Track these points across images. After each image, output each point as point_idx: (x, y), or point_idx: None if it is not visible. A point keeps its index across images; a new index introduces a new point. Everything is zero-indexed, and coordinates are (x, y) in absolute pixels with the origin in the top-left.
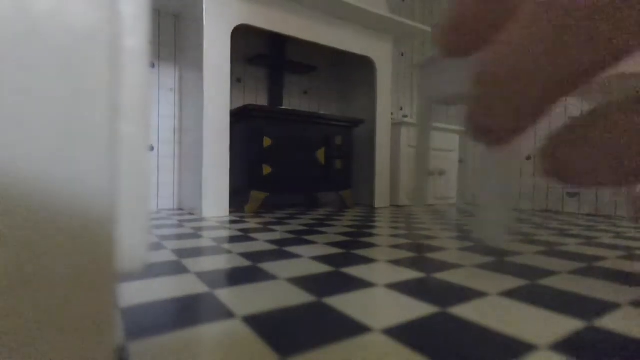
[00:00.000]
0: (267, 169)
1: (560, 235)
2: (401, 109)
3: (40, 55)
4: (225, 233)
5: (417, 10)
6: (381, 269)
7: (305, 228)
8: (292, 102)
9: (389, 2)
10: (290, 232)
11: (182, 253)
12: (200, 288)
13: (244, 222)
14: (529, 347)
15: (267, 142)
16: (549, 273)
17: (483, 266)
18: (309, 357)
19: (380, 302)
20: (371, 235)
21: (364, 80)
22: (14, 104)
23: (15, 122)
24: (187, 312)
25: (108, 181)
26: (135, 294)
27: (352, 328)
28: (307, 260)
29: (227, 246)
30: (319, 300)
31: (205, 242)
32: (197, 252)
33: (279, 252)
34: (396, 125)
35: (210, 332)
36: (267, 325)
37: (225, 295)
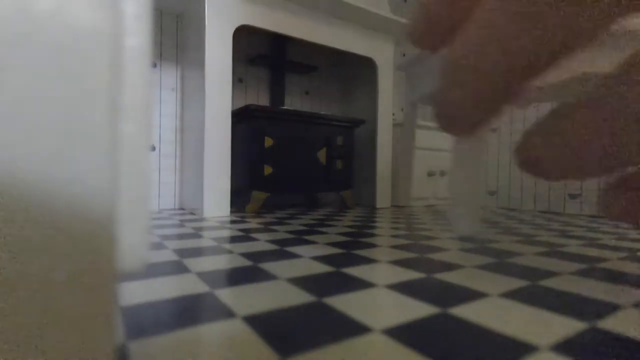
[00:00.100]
0: (268, 169)
1: (562, 236)
2: (402, 109)
3: (41, 55)
4: (226, 233)
5: None
6: (382, 269)
7: (305, 228)
8: (294, 102)
9: (390, 3)
10: (291, 232)
11: (183, 253)
12: (200, 288)
13: (245, 222)
14: (529, 348)
15: (268, 142)
16: (550, 274)
17: (484, 267)
18: (309, 357)
19: (381, 303)
20: (372, 235)
21: (366, 80)
22: (15, 103)
23: (16, 121)
24: (187, 311)
25: (109, 181)
26: (135, 293)
27: (353, 328)
28: (307, 260)
29: (228, 246)
30: (319, 300)
31: (206, 242)
32: (198, 252)
33: (280, 252)
34: (397, 125)
35: (210, 332)
36: (268, 325)
37: (226, 295)
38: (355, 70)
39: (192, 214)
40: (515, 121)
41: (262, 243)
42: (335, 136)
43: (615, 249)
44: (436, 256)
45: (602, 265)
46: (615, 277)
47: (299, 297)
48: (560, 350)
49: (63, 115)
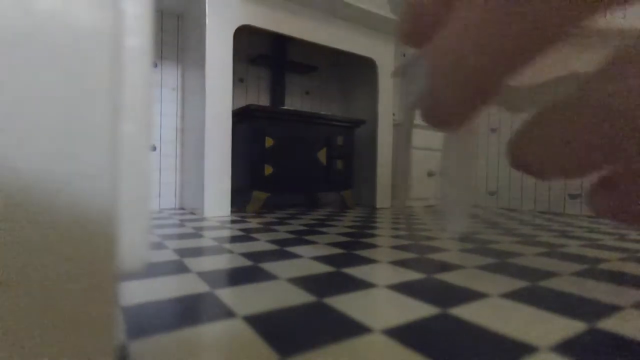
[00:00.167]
0: (268, 169)
1: (562, 237)
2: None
3: (42, 55)
4: (226, 233)
5: None
6: (382, 270)
7: (306, 228)
8: (294, 102)
9: (390, 3)
10: (291, 232)
11: (183, 252)
12: (201, 287)
13: (246, 222)
14: (529, 349)
15: (269, 142)
16: (550, 274)
17: (484, 267)
18: (309, 357)
19: (381, 303)
20: (372, 235)
21: (366, 80)
22: (15, 103)
23: (16, 121)
24: (188, 311)
25: (109, 181)
26: (136, 293)
27: (353, 328)
28: (308, 261)
29: (228, 246)
30: (319, 300)
31: (206, 241)
32: (198, 252)
33: (280, 252)
34: (398, 125)
35: (211, 331)
36: (268, 325)
37: (226, 294)
38: (356, 71)
39: (192, 213)
40: (516, 122)
41: (262, 243)
42: (335, 136)
43: (615, 249)
44: (436, 256)
45: (602, 266)
46: (615, 278)
47: (299, 297)
48: (560, 350)
49: (63, 115)
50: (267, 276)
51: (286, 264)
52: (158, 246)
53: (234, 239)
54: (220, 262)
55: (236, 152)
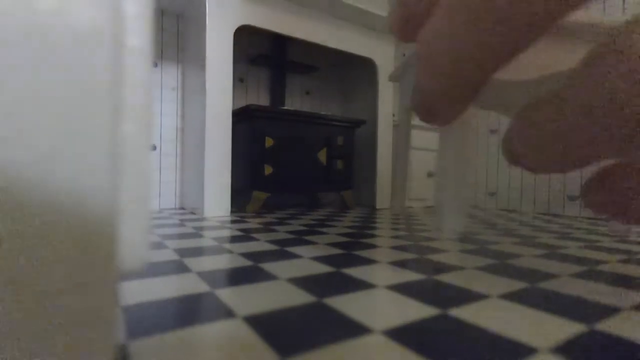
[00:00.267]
0: (268, 169)
1: (561, 238)
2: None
3: (42, 55)
4: (226, 233)
5: None
6: (382, 270)
7: (306, 228)
8: (294, 102)
9: (390, 3)
10: (291, 232)
11: (183, 252)
12: (201, 287)
13: (245, 222)
14: (529, 350)
15: (269, 142)
16: (550, 276)
17: (483, 268)
18: (309, 357)
19: (381, 303)
20: (372, 236)
21: (366, 81)
22: (15, 103)
23: (16, 121)
24: (188, 311)
25: (109, 180)
26: (136, 293)
27: (353, 329)
28: (308, 261)
29: (228, 246)
30: (319, 300)
31: (206, 241)
32: (198, 252)
33: (280, 252)
34: (397, 126)
35: (211, 331)
36: (268, 325)
37: (226, 295)
38: (356, 71)
39: (192, 213)
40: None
41: (262, 243)
42: (335, 136)
43: (615, 251)
44: (436, 257)
45: (602, 267)
46: (615, 280)
47: (299, 297)
48: (559, 352)
49: (63, 114)
50: (267, 276)
51: (286, 264)
52: (158, 246)
53: (234, 239)
54: (220, 262)
55: (236, 152)
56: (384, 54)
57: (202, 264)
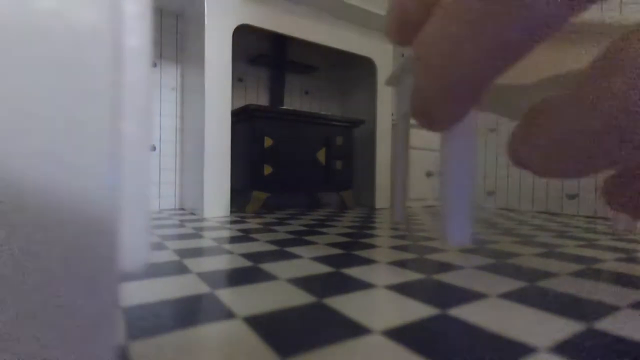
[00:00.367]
0: (268, 169)
1: (560, 237)
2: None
3: (42, 55)
4: (226, 233)
5: None
6: (381, 270)
7: (305, 228)
8: (293, 102)
9: (388, 3)
10: (291, 232)
11: (183, 253)
12: (201, 288)
13: (245, 222)
14: (528, 349)
15: (268, 142)
16: (548, 275)
17: (482, 267)
18: (309, 358)
19: (381, 303)
20: (371, 236)
21: (365, 80)
22: (15, 103)
23: (17, 121)
24: (188, 312)
25: (109, 181)
26: (136, 294)
27: (352, 329)
28: (307, 261)
29: (228, 246)
30: (319, 300)
31: (206, 242)
32: (198, 253)
33: (280, 253)
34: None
35: (211, 332)
36: (268, 326)
37: (226, 295)
38: (355, 71)
39: (192, 214)
40: (515, 120)
41: (262, 243)
42: (334, 136)
43: (613, 249)
44: (435, 257)
45: (600, 266)
46: (613, 278)
47: (299, 297)
48: (558, 351)
49: (64, 114)
50: (267, 277)
51: (286, 264)
52: (158, 247)
53: (233, 240)
54: (220, 263)
55: (235, 152)
56: (383, 54)
57: (202, 265)
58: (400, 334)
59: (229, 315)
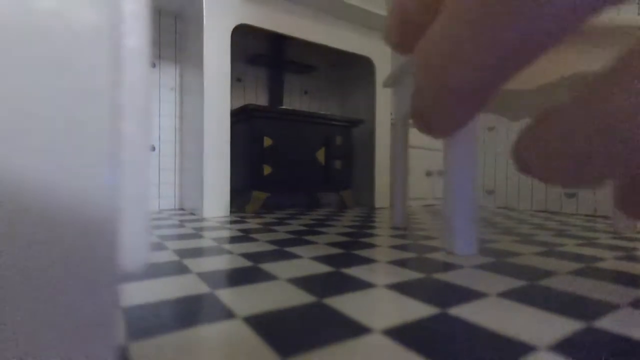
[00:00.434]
0: (267, 169)
1: (559, 236)
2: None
3: (42, 55)
4: (226, 233)
5: None
6: (381, 269)
7: (305, 228)
8: (292, 101)
9: (388, 2)
10: (291, 232)
11: (183, 253)
12: (201, 288)
13: (245, 222)
14: (528, 348)
15: (267, 142)
16: (548, 274)
17: (482, 267)
18: (309, 357)
19: (380, 303)
20: (371, 235)
21: (364, 80)
22: (15, 103)
23: (16, 121)
24: (188, 312)
25: (109, 181)
26: (136, 294)
27: (353, 328)
28: (307, 261)
29: (228, 246)
30: (319, 300)
31: (206, 242)
32: (198, 253)
33: (280, 253)
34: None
35: (211, 332)
36: (268, 326)
37: (226, 295)
38: (354, 70)
39: (192, 214)
40: (514, 120)
41: (262, 243)
42: (334, 136)
43: (612, 248)
44: (434, 256)
45: (599, 264)
46: (613, 277)
47: (299, 297)
48: (558, 350)
49: (64, 114)
50: (267, 277)
51: (286, 264)
52: (158, 247)
53: (233, 240)
54: (220, 263)
55: (235, 152)
56: (381, 53)
57: (202, 265)
58: (401, 334)
59: (229, 315)
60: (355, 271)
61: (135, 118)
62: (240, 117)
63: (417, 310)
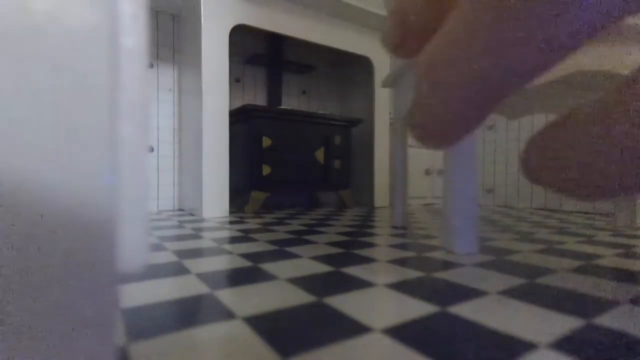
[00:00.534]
0: (266, 169)
1: (558, 234)
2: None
3: (40, 55)
4: (225, 234)
5: None
6: (381, 269)
7: (305, 228)
8: (291, 101)
9: (386, 2)
10: (291, 232)
11: (182, 254)
12: (201, 289)
13: (244, 222)
14: (528, 346)
15: (266, 142)
16: (548, 271)
17: (482, 265)
18: (310, 357)
19: (380, 302)
20: (371, 234)
21: (362, 79)
22: (14, 103)
23: (15, 121)
24: (188, 313)
25: (108, 181)
26: (136, 295)
27: (353, 328)
28: (307, 261)
29: (227, 247)
30: (319, 300)
31: (205, 242)
32: (197, 253)
33: (279, 253)
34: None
35: (211, 332)
36: (268, 326)
37: (226, 295)
38: (352, 70)
39: (191, 214)
40: (513, 120)
41: (261, 243)
42: (332, 135)
43: (611, 245)
44: (434, 255)
45: (599, 262)
46: (613, 274)
47: (299, 297)
48: (558, 347)
49: (62, 115)
50: (267, 277)
51: (285, 264)
52: (157, 247)
53: (233, 240)
54: (220, 263)
55: (234, 153)
56: (380, 53)
57: (202, 266)
58: (401, 332)
59: (229, 315)
60: (355, 270)
61: (133, 119)
62: (239, 118)
63: (417, 309)
